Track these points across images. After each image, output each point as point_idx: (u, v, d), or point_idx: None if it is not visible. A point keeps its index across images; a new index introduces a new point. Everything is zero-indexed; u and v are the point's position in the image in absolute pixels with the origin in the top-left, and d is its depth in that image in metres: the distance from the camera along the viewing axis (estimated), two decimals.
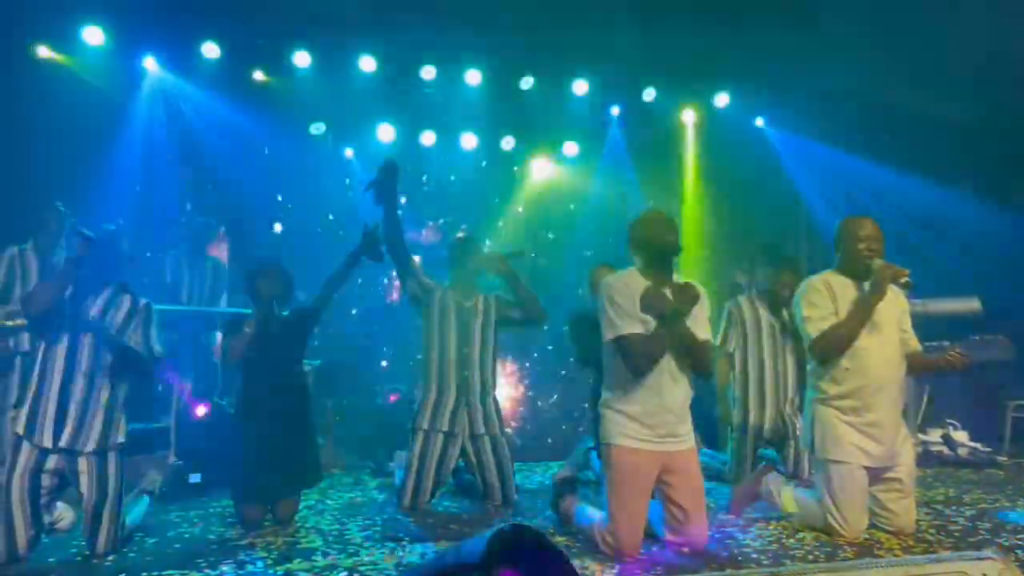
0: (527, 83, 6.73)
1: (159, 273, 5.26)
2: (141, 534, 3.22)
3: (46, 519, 2.95)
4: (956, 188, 6.13)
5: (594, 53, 6.53)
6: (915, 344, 3.29)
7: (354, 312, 6.27)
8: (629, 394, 2.95)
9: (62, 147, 5.42)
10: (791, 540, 3.09)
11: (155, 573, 2.74)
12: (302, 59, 6.25)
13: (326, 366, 5.26)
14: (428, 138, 6.97)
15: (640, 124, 7.12)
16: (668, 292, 2.94)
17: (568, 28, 6.06)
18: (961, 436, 5.08)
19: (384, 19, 5.88)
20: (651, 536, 3.04)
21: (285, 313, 3.58)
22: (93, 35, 5.65)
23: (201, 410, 4.15)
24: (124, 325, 3.06)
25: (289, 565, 2.82)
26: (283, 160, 6.60)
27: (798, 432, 4.13)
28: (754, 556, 2.88)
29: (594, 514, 3.10)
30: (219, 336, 4.87)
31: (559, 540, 3.15)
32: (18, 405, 2.99)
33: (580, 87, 6.85)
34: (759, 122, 7.20)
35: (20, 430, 2.90)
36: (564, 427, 6.01)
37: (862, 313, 3.11)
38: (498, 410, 3.95)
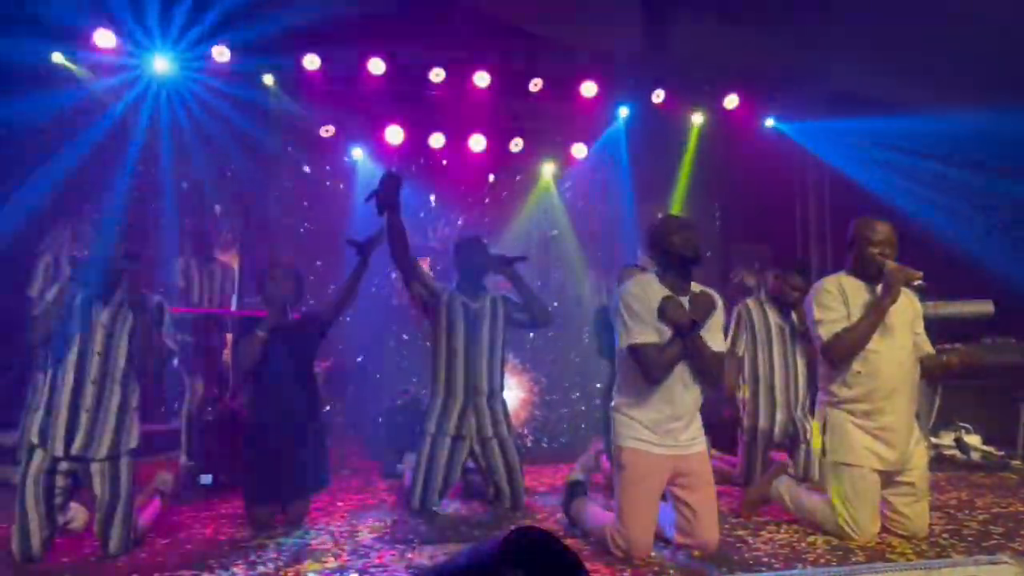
0: (536, 85, 6.73)
1: (169, 278, 5.28)
2: (153, 535, 3.24)
3: (59, 519, 2.97)
4: (968, 188, 6.08)
5: (603, 55, 6.53)
6: (928, 347, 3.27)
7: (362, 312, 6.28)
8: (641, 399, 2.95)
9: (72, 151, 5.46)
10: (802, 544, 3.08)
11: (167, 574, 2.75)
12: (311, 62, 6.27)
13: (335, 367, 5.29)
14: (437, 140, 6.98)
15: (649, 126, 7.10)
16: (685, 300, 2.94)
17: (577, 29, 6.07)
18: (974, 439, 5.03)
19: (393, 21, 5.90)
20: (661, 539, 3.03)
21: (299, 313, 3.59)
22: (104, 39, 5.69)
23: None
24: (135, 328, 3.05)
25: (300, 566, 2.83)
26: (294, 163, 6.63)
27: (809, 435, 4.11)
28: (765, 560, 2.86)
29: (604, 516, 3.10)
30: (229, 338, 4.91)
31: (569, 542, 3.14)
32: (32, 416, 2.98)
33: (589, 89, 6.84)
34: (769, 123, 7.17)
35: (34, 439, 2.90)
36: (573, 428, 6.01)
37: (874, 316, 3.09)
38: (507, 412, 3.95)
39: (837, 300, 3.19)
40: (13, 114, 4.92)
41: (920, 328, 3.28)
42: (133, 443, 3.07)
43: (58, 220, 4.58)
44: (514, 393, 5.83)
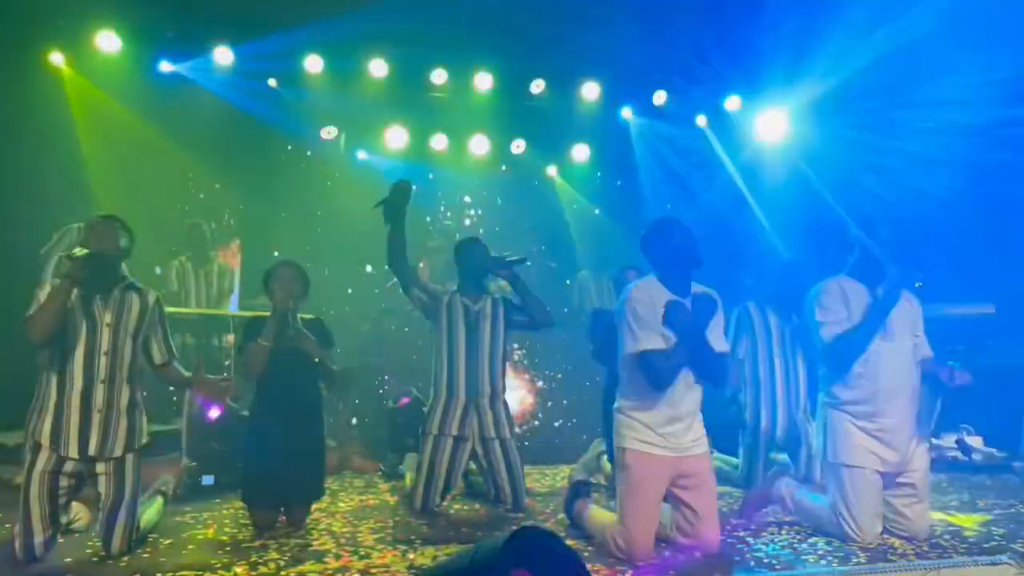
0: (538, 87, 6.74)
1: (165, 282, 5.28)
2: (155, 535, 3.24)
3: (63, 519, 2.97)
4: (972, 191, 6.08)
5: (605, 56, 6.54)
6: (927, 350, 3.27)
7: (365, 314, 6.29)
8: (645, 402, 2.96)
9: (73, 151, 5.49)
10: (803, 545, 3.08)
11: (169, 574, 2.76)
12: (313, 64, 6.28)
13: (338, 369, 5.28)
14: (439, 142, 6.99)
15: (652, 127, 7.11)
16: (688, 302, 2.94)
17: (579, 31, 6.08)
18: (976, 441, 5.03)
19: (395, 23, 5.91)
20: (663, 540, 3.04)
21: (303, 317, 3.58)
22: (108, 41, 5.71)
23: (215, 412, 4.16)
24: (138, 325, 3.06)
25: (301, 567, 2.83)
26: (296, 164, 6.65)
27: (810, 437, 4.11)
28: (766, 561, 2.87)
29: (606, 518, 3.10)
30: (229, 339, 4.91)
31: (570, 543, 3.15)
32: (36, 413, 2.97)
33: (591, 91, 6.85)
34: (764, 124, 7.17)
35: (43, 441, 2.88)
36: (575, 429, 6.00)
37: (875, 319, 3.09)
38: (508, 413, 3.95)
39: (838, 302, 3.19)
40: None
41: (920, 331, 3.28)
42: (144, 439, 3.08)
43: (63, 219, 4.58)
44: (516, 393, 5.83)
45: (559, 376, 6.34)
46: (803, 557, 2.91)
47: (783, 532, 3.29)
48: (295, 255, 4.23)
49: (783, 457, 4.30)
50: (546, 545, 0.96)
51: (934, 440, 5.05)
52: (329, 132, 6.69)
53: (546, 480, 4.71)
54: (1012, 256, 5.64)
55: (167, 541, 3.20)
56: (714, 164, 7.15)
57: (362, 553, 3.01)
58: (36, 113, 5.52)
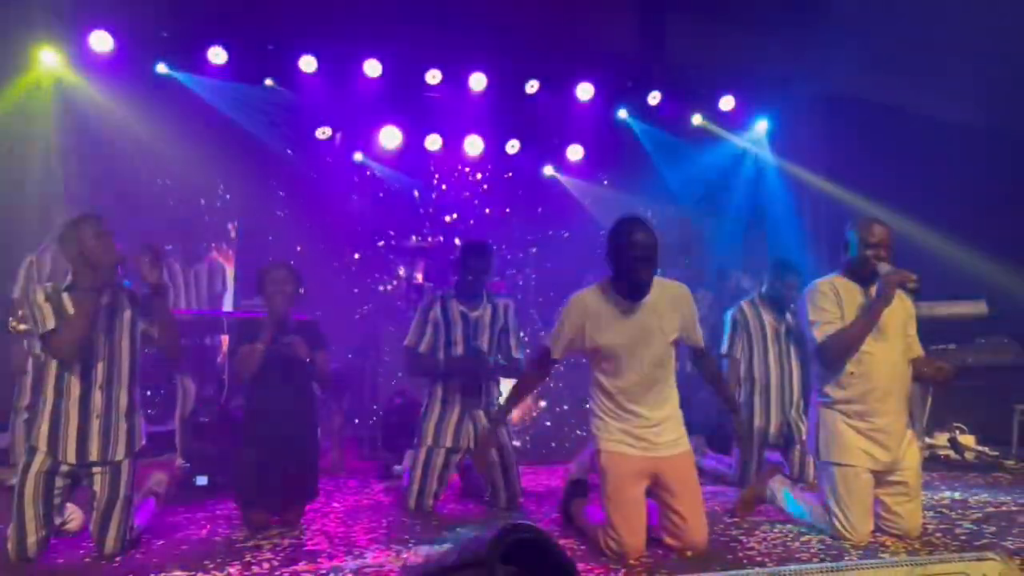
0: (532, 87, 6.75)
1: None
2: (148, 536, 3.24)
3: (56, 520, 2.97)
4: (962, 187, 6.11)
5: (600, 57, 6.55)
6: (918, 349, 3.28)
7: (359, 314, 6.29)
8: (607, 403, 3.01)
9: (67, 152, 5.47)
10: (796, 543, 3.09)
11: (162, 574, 2.75)
12: (308, 64, 6.28)
13: (333, 369, 5.27)
14: (434, 142, 6.99)
15: (645, 128, 7.13)
16: (636, 308, 2.95)
17: (574, 32, 6.09)
18: (968, 439, 5.06)
19: (389, 23, 5.92)
20: (656, 539, 3.04)
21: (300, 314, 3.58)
22: (101, 41, 5.69)
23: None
24: (133, 323, 3.05)
25: (295, 567, 2.83)
26: (291, 164, 6.64)
27: (804, 435, 4.12)
28: (758, 559, 2.87)
29: (599, 517, 3.11)
30: (225, 339, 4.90)
31: (565, 542, 3.16)
32: (32, 417, 2.96)
33: (585, 91, 6.86)
34: (761, 125, 7.21)
35: (41, 446, 2.87)
36: (570, 428, 6.00)
37: (868, 320, 3.10)
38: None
39: (831, 302, 3.19)
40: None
41: (913, 330, 3.29)
42: (143, 441, 3.08)
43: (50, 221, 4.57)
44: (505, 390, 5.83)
45: (554, 375, 6.34)
46: (796, 555, 2.91)
47: (776, 531, 3.29)
48: (288, 255, 4.23)
49: (776, 456, 4.32)
50: (533, 542, 0.96)
51: (927, 439, 5.07)
52: (324, 132, 6.69)
53: (541, 480, 4.71)
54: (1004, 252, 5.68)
55: (161, 542, 3.19)
56: (710, 164, 7.18)
57: (356, 553, 3.01)
58: (28, 112, 5.50)
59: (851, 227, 3.27)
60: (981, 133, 6.32)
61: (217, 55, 6.01)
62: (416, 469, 3.77)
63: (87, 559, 2.97)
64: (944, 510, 3.68)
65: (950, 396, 5.19)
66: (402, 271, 6.46)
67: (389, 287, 6.48)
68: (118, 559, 2.93)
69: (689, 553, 2.93)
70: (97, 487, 2.95)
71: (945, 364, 3.20)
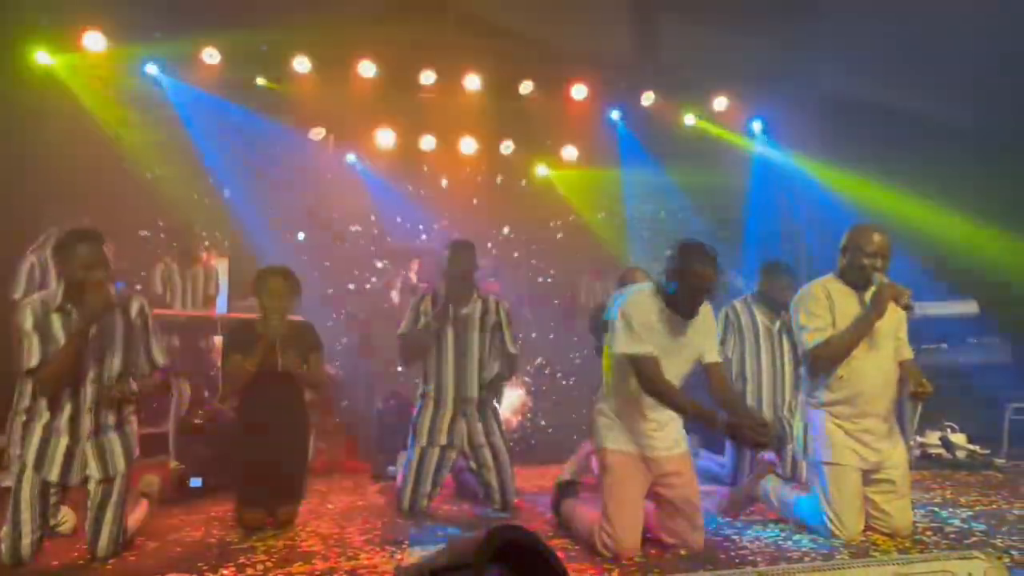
0: (526, 88, 6.76)
1: (150, 284, 5.25)
2: (142, 538, 3.23)
3: (50, 522, 2.96)
4: (953, 187, 6.13)
5: (593, 57, 6.56)
6: (907, 352, 3.30)
7: (352, 316, 6.28)
8: (624, 404, 3.01)
9: (61, 152, 5.45)
10: (788, 542, 3.11)
11: None
12: (301, 64, 6.27)
13: (326, 370, 5.27)
14: (427, 142, 6.99)
15: (639, 128, 7.14)
16: (690, 324, 3.00)
17: (567, 32, 6.10)
18: (959, 438, 5.08)
19: (383, 24, 5.92)
20: (649, 538, 3.06)
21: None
22: (94, 40, 5.68)
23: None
24: (125, 345, 3.02)
25: (289, 568, 2.83)
26: (284, 165, 6.63)
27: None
28: (751, 558, 2.89)
29: (593, 517, 3.12)
30: (217, 340, 4.89)
31: (558, 543, 3.17)
32: (29, 421, 2.94)
33: (579, 91, 6.87)
34: (754, 125, 7.23)
35: (30, 463, 2.86)
36: (564, 429, 6.02)
37: (859, 331, 3.11)
38: (498, 418, 3.94)
39: (823, 307, 3.19)
40: None
41: (903, 333, 3.30)
42: (136, 452, 3.08)
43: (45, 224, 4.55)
44: (505, 395, 5.84)
45: (547, 376, 6.36)
46: (787, 554, 2.93)
47: (768, 530, 3.31)
48: (282, 258, 4.22)
49: (769, 455, 4.33)
50: (522, 542, 0.97)
51: (918, 438, 5.10)
52: (317, 133, 6.68)
53: (535, 480, 4.72)
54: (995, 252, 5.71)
55: (154, 544, 3.19)
56: (705, 163, 7.20)
57: (350, 554, 3.02)
58: (22, 112, 5.48)
59: (850, 232, 3.26)
60: (972, 133, 6.34)
61: (210, 55, 5.99)
62: (410, 470, 3.77)
63: (80, 561, 2.96)
64: (935, 509, 3.70)
65: (941, 396, 5.21)
66: (396, 271, 6.47)
67: (383, 287, 6.48)
68: (111, 561, 2.93)
69: (683, 552, 2.95)
70: (91, 486, 2.95)
71: (927, 386, 3.16)
